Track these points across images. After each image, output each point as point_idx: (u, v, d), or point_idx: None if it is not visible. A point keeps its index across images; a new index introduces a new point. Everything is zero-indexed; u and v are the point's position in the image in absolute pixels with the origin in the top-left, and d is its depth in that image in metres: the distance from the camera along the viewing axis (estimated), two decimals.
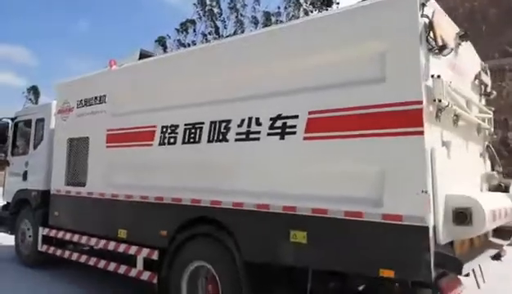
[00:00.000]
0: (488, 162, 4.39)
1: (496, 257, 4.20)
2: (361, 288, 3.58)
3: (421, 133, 2.81)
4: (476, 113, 4.16)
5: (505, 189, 4.13)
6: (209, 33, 28.80)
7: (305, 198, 3.34)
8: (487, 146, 4.44)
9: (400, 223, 2.83)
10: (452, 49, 3.20)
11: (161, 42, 30.39)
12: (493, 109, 4.50)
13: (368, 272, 3.01)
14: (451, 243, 3.06)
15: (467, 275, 3.54)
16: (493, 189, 4.18)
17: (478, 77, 4.24)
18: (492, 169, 4.48)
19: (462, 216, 2.85)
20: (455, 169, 3.15)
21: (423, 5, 2.94)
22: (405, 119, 2.88)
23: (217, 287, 3.94)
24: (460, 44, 3.68)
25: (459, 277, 2.94)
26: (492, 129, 4.43)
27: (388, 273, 2.87)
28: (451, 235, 2.89)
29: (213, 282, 4.03)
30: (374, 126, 3.02)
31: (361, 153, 3.08)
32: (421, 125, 2.81)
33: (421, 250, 2.72)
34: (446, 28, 3.17)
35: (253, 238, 3.68)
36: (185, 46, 25.02)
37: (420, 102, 2.83)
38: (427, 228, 2.72)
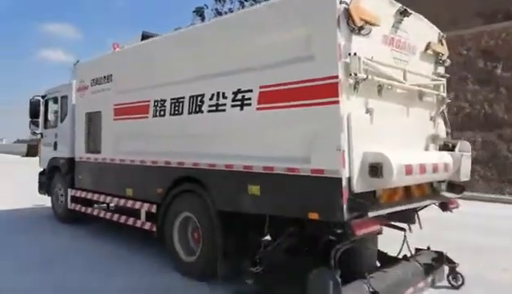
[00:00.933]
0: (442, 125, 4.85)
1: (444, 208, 4.78)
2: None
3: (337, 102, 3.40)
4: (427, 81, 4.64)
5: (452, 148, 4.63)
6: (246, 0, 29.01)
7: (258, 159, 4.04)
8: (442, 111, 4.90)
9: (322, 175, 3.49)
10: (370, 30, 3.67)
11: (199, 13, 31.02)
12: (447, 75, 4.91)
13: (300, 215, 3.71)
14: (374, 192, 3.70)
15: (394, 221, 4.21)
16: (442, 148, 4.68)
17: (429, 47, 4.66)
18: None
19: (375, 169, 3.46)
20: (380, 131, 3.72)
21: None
22: (326, 91, 3.48)
23: (199, 233, 4.81)
24: (401, 20, 4.16)
25: (375, 220, 3.57)
26: (445, 94, 4.86)
27: (314, 216, 3.57)
28: (366, 185, 3.51)
29: (196, 230, 4.90)
30: (305, 97, 3.64)
31: (295, 120, 3.73)
32: (337, 96, 3.41)
33: (336, 197, 3.38)
34: (371, 11, 3.66)
35: (223, 192, 4.46)
36: (221, 15, 25.34)
37: (336, 77, 3.41)
38: (340, 179, 3.37)
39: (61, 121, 7.93)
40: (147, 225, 5.55)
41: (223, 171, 4.41)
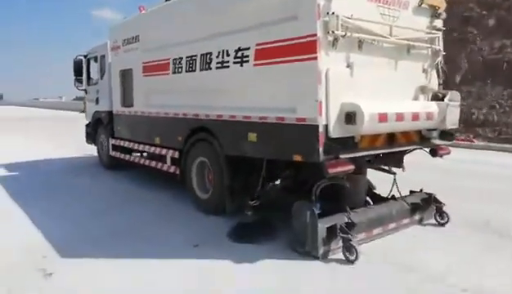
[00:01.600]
0: (435, 76, 5.11)
1: (434, 154, 5.16)
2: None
3: (315, 59, 3.85)
4: (421, 34, 4.88)
5: (442, 98, 4.92)
6: None
7: (255, 110, 4.61)
8: (438, 62, 5.14)
9: (304, 123, 4.01)
10: None
11: None
12: (443, 28, 5.10)
13: (288, 158, 4.27)
14: (353, 138, 4.18)
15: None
16: (433, 98, 4.98)
17: (423, 1, 4.85)
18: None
19: (349, 117, 3.93)
20: (361, 83, 4.13)
21: None
22: (306, 48, 3.92)
23: (211, 175, 5.56)
24: None
25: (348, 161, 4.06)
26: (440, 47, 5.08)
27: (298, 158, 4.14)
28: (343, 132, 4.00)
29: (209, 172, 5.64)
30: (291, 54, 4.10)
31: (283, 75, 4.22)
32: (315, 52, 3.84)
33: (314, 141, 3.91)
34: None
35: (229, 139, 5.11)
36: None
37: (315, 35, 3.83)
38: (317, 126, 3.87)
39: (101, 78, 8.84)
40: (172, 169, 6.38)
41: (228, 121, 5.04)
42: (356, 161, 4.21)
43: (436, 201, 5.15)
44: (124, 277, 3.77)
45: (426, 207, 5.13)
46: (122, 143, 7.94)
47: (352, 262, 3.96)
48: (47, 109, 46.56)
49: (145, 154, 7.66)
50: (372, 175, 5.24)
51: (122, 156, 8.07)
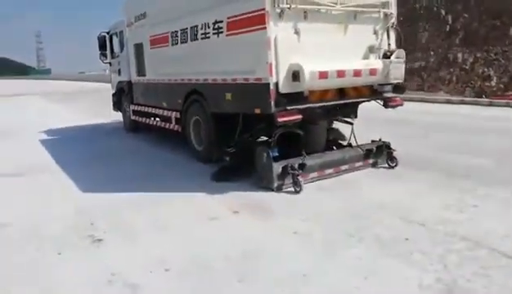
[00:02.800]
0: (385, 37, 5.83)
1: (386, 106, 5.97)
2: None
3: (265, 28, 4.76)
4: (371, 0, 5.62)
5: (389, 57, 5.67)
6: None
7: (229, 73, 5.61)
8: (392, 25, 5.86)
9: (260, 82, 4.98)
10: None
11: None
12: None
13: (252, 111, 5.27)
14: (302, 93, 5.09)
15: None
16: (382, 57, 5.73)
17: None
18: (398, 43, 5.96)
19: (294, 75, 4.85)
20: (308, 47, 4.99)
21: None
22: (259, 20, 4.83)
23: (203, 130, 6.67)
24: None
25: (297, 112, 4.99)
26: (392, 11, 5.78)
27: (257, 111, 5.13)
28: (290, 88, 4.92)
29: (202, 128, 6.74)
30: (249, 25, 5.02)
31: (246, 43, 5.15)
32: (264, 23, 4.75)
33: (267, 96, 4.87)
34: None
35: (213, 99, 6.16)
36: None
37: (263, 9, 4.73)
38: (269, 84, 4.83)
39: (121, 51, 10.06)
40: (176, 127, 7.55)
41: (212, 84, 6.08)
42: (307, 112, 5.16)
43: (388, 147, 6.00)
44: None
45: (380, 153, 6.00)
46: (140, 108, 9.21)
47: (297, 192, 4.99)
48: (91, 82, 49.19)
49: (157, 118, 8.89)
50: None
51: (140, 120, 9.36)
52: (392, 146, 6.02)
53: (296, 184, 5.04)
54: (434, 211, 4.20)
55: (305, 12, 5.03)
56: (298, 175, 5.06)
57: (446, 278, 2.95)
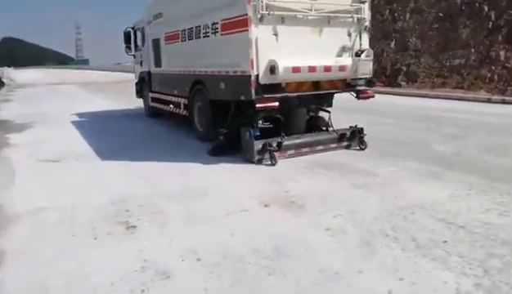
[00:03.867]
0: (358, 39, 6.76)
1: (358, 97, 6.93)
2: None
3: (247, 30, 5.83)
4: (346, 7, 6.56)
5: (359, 55, 6.61)
6: None
7: (223, 66, 6.72)
8: (365, 27, 6.79)
9: (244, 74, 6.06)
10: None
11: None
12: (367, 1, 6.69)
13: (237, 98, 6.37)
14: (280, 84, 6.12)
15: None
16: (355, 55, 6.68)
17: None
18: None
19: (272, 70, 5.90)
20: (285, 46, 6.01)
21: None
22: (242, 24, 5.91)
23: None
24: None
25: (273, 99, 6.02)
26: (364, 15, 6.70)
27: (242, 97, 6.22)
28: (269, 79, 5.96)
29: (202, 112, 7.89)
30: (236, 27, 6.11)
31: (234, 41, 6.24)
32: (247, 26, 5.82)
33: (249, 86, 5.95)
34: None
35: (211, 88, 7.29)
36: None
37: (246, 14, 5.80)
38: (250, 76, 5.90)
39: (143, 45, 11.35)
40: (184, 112, 8.73)
41: (210, 75, 7.21)
42: (284, 100, 6.21)
43: (360, 132, 6.96)
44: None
45: (353, 136, 6.97)
46: (157, 95, 10.47)
47: (273, 165, 6.07)
48: (125, 72, 51.33)
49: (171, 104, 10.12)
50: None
51: (157, 106, 10.62)
52: (364, 131, 6.98)
53: (272, 158, 6.12)
54: (474, 214, 4.02)
55: (282, 18, 6.05)
56: (274, 151, 6.14)
57: (486, 284, 2.81)
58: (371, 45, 6.93)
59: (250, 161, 6.24)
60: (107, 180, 5.74)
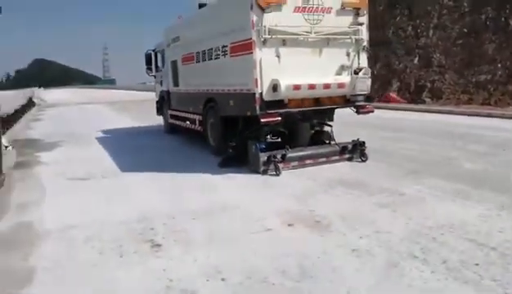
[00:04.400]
0: (356, 58, 7.26)
1: (358, 112, 7.40)
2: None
3: (252, 53, 6.45)
4: (345, 28, 7.10)
5: (357, 73, 7.11)
6: None
7: (232, 85, 7.34)
8: (363, 47, 7.30)
9: (250, 92, 6.65)
10: (281, 7, 6.43)
11: None
12: (364, 22, 7.22)
13: (244, 114, 6.95)
14: (282, 100, 6.67)
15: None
16: (353, 73, 7.17)
17: (345, 6, 7.05)
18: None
19: (275, 88, 6.47)
20: (288, 67, 6.58)
21: None
22: (248, 47, 6.53)
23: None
24: None
25: (276, 114, 6.56)
26: (362, 36, 7.22)
27: (248, 113, 6.79)
28: (272, 96, 6.52)
29: (214, 128, 8.51)
30: (243, 50, 6.74)
31: (241, 63, 6.86)
32: (252, 49, 6.44)
33: (254, 102, 6.53)
34: None
35: (222, 105, 7.91)
36: None
37: (251, 39, 6.42)
38: (255, 93, 6.48)
39: (163, 66, 12.17)
40: (199, 128, 9.38)
41: (221, 93, 7.84)
42: (287, 115, 6.76)
43: (361, 145, 7.41)
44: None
45: (355, 149, 7.42)
46: (175, 113, 11.20)
47: (277, 175, 6.58)
48: (151, 91, 52.70)
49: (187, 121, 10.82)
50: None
51: (175, 122, 11.34)
52: (366, 144, 7.43)
53: (277, 169, 6.64)
54: (506, 236, 3.89)
55: (284, 40, 6.64)
56: (278, 163, 6.66)
57: None
58: (369, 63, 7.44)
59: (256, 171, 6.77)
60: (133, 198, 5.86)
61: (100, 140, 11.83)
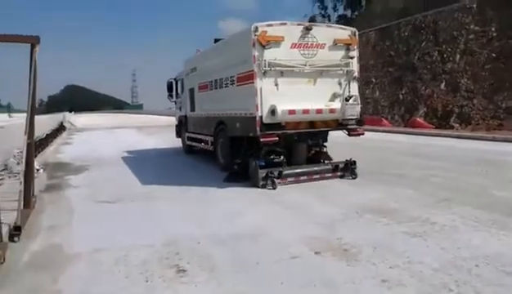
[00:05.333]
0: (347, 87, 8.22)
1: (349, 134, 8.31)
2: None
3: (253, 83, 7.52)
4: (337, 61, 8.12)
5: (348, 100, 8.05)
6: None
7: (238, 110, 8.40)
8: (353, 77, 8.28)
9: (252, 116, 7.67)
10: (279, 43, 7.53)
11: None
12: (354, 56, 8.21)
13: (247, 134, 7.96)
14: (280, 123, 7.66)
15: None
16: (345, 100, 8.12)
17: (337, 43, 8.08)
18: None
19: (273, 112, 7.48)
20: (285, 94, 7.60)
21: (255, 30, 7.45)
22: (250, 77, 7.62)
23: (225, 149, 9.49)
24: (308, 32, 7.82)
25: (274, 135, 7.54)
26: (353, 68, 8.21)
27: (251, 134, 7.80)
28: (271, 120, 7.51)
29: (223, 147, 9.55)
30: (246, 80, 7.83)
31: (245, 91, 7.93)
32: (253, 79, 7.51)
33: (255, 125, 7.54)
34: (275, 34, 7.51)
35: (230, 127, 8.97)
36: None
37: (252, 71, 7.51)
38: (255, 117, 7.51)
39: (181, 93, 13.44)
40: (211, 148, 10.45)
41: (230, 116, 8.91)
42: (286, 136, 7.75)
43: (352, 164, 8.27)
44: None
45: (346, 168, 8.29)
46: (191, 135, 12.36)
47: (274, 189, 7.49)
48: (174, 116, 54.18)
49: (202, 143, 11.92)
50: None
51: (192, 144, 12.48)
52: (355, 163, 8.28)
53: (273, 184, 7.57)
54: None
55: (282, 72, 7.69)
56: (275, 178, 7.60)
57: None
58: (360, 90, 8.41)
59: (256, 186, 7.70)
60: (159, 221, 5.93)
61: (128, 162, 12.20)
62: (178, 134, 14.40)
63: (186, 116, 12.83)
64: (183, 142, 13.80)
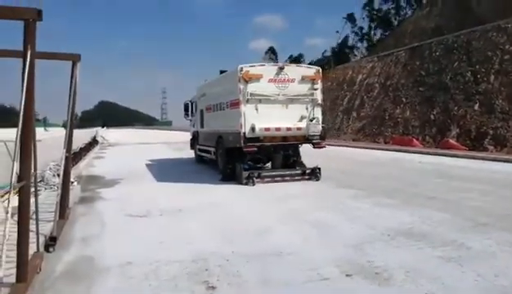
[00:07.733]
0: (313, 111, 10.81)
1: (314, 147, 10.89)
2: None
3: (239, 107, 10.25)
4: (305, 92, 10.75)
5: (312, 120, 10.64)
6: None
7: (230, 127, 11.12)
8: (317, 104, 10.87)
9: (238, 132, 10.35)
10: (259, 79, 10.26)
11: (350, 17, 51.66)
12: (318, 88, 10.84)
13: (235, 146, 10.62)
14: (259, 137, 10.32)
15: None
16: (310, 120, 10.70)
17: (303, 78, 10.74)
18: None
19: (253, 129, 10.14)
20: (263, 116, 10.27)
21: (240, 70, 10.21)
22: (237, 104, 10.36)
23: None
24: (281, 70, 10.54)
25: (253, 146, 10.21)
26: (317, 97, 10.82)
27: (238, 145, 10.47)
28: (251, 135, 10.17)
29: (222, 157, 12.28)
30: (234, 105, 10.58)
31: (234, 114, 10.65)
32: (239, 105, 10.25)
33: (240, 139, 10.21)
34: (256, 73, 10.24)
35: (226, 140, 11.68)
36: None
37: (238, 99, 10.25)
38: (239, 132, 10.19)
39: (195, 113, 16.35)
40: (214, 157, 13.20)
41: (225, 132, 11.65)
42: (264, 148, 10.41)
43: (317, 170, 10.81)
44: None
45: (313, 172, 10.84)
46: (201, 147, 15.19)
47: (253, 184, 10.15)
48: None
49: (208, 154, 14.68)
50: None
51: (202, 154, 15.31)
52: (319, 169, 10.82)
53: (252, 182, 10.23)
54: None
55: (260, 100, 10.39)
56: (254, 178, 10.25)
57: None
58: (323, 111, 11.14)
59: (240, 183, 10.36)
60: (188, 236, 5.92)
61: (157, 176, 12.81)
62: (192, 146, 17.28)
63: (197, 131, 15.70)
64: (195, 153, 16.65)
